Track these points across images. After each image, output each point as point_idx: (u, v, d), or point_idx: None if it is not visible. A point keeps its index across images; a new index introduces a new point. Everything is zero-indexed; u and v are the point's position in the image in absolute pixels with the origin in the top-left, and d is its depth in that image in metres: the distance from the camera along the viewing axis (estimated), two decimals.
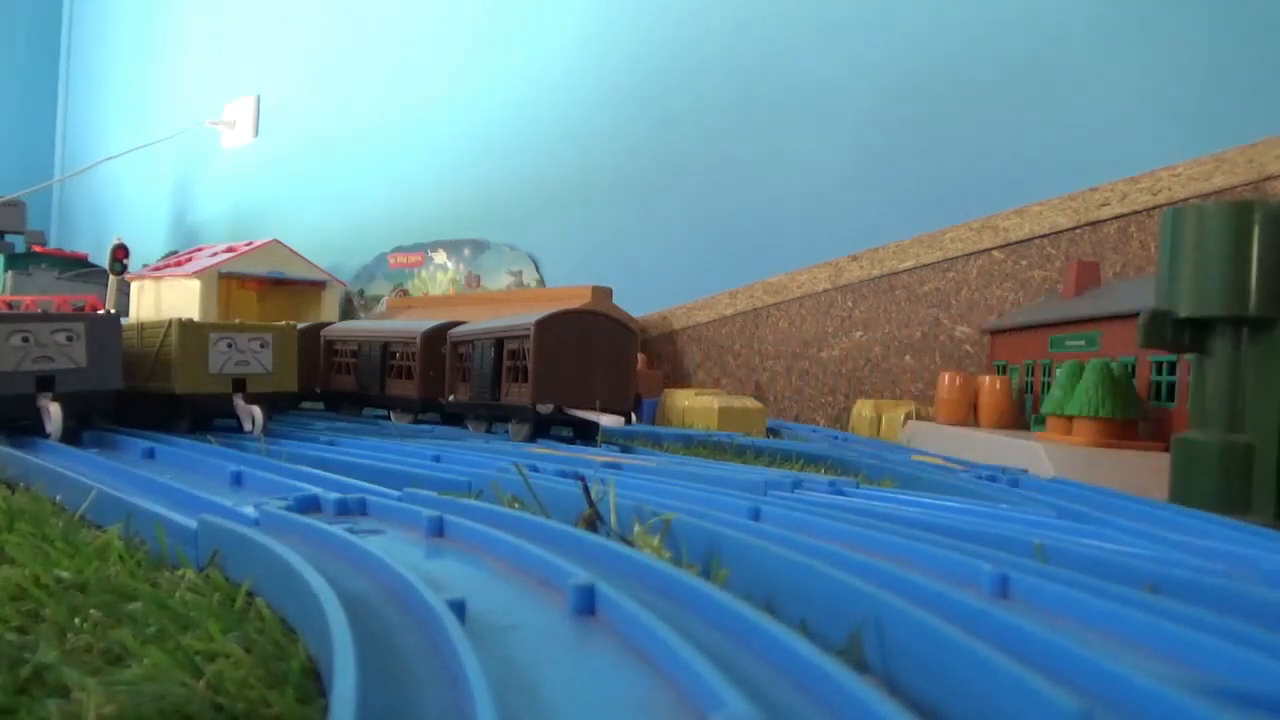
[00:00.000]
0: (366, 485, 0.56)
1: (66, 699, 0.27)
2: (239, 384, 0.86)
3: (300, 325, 1.07)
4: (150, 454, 0.73)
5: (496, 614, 0.31)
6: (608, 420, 0.89)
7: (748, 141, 1.66)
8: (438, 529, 0.44)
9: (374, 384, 1.12)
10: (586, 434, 0.95)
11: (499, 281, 1.97)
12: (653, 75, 1.79)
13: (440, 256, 2.07)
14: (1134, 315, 0.81)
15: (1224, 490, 0.71)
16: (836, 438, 1.23)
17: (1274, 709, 0.25)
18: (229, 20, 2.75)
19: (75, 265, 2.19)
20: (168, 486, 0.54)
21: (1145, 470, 0.86)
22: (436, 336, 1.07)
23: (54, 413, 0.76)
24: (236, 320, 0.96)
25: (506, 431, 0.98)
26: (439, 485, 0.61)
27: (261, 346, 0.87)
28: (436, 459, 0.72)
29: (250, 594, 0.37)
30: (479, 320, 1.06)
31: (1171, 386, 0.94)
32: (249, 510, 0.46)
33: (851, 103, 1.55)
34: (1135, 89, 1.30)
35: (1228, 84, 1.24)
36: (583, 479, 0.49)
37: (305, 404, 1.24)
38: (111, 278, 1.78)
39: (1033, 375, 1.21)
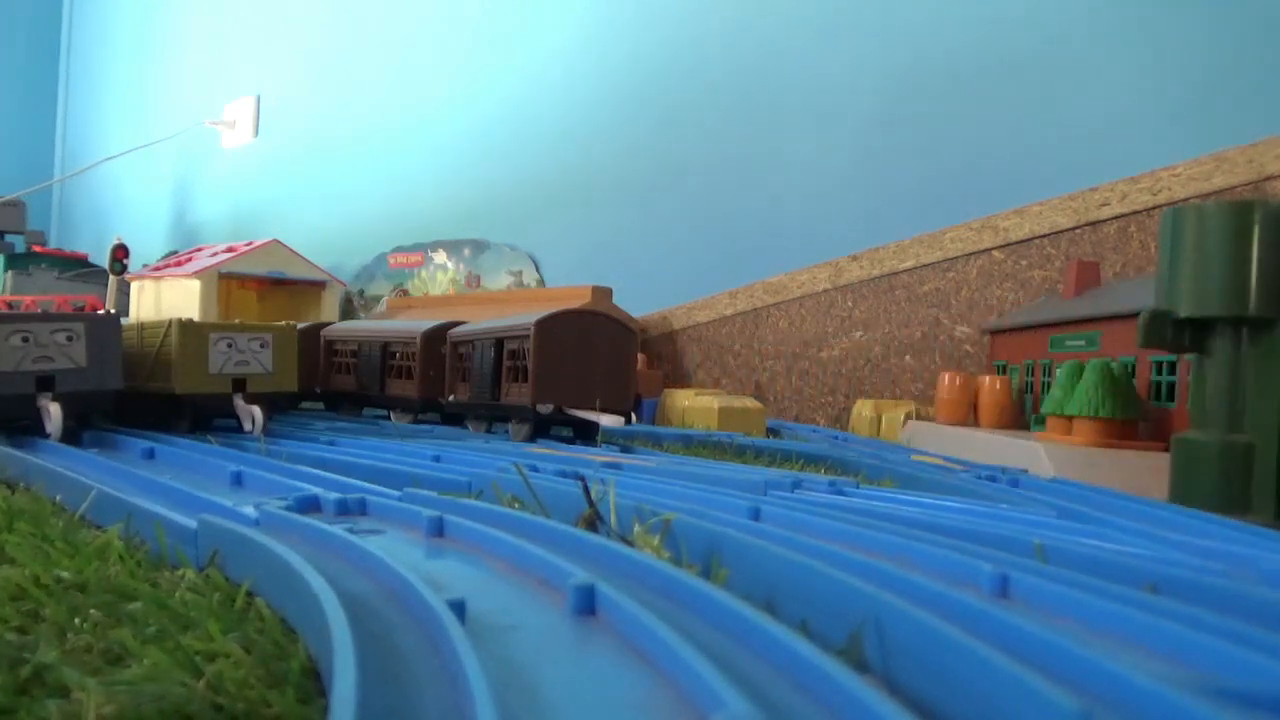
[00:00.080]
0: (366, 485, 0.56)
1: (66, 699, 0.27)
2: (239, 384, 0.86)
3: (300, 325, 1.07)
4: (150, 454, 0.73)
5: (496, 614, 0.31)
6: (608, 420, 0.89)
7: (748, 141, 1.66)
8: (438, 529, 0.44)
9: (374, 384, 1.12)
10: (586, 434, 0.95)
11: (499, 281, 1.97)
12: (653, 75, 1.79)
13: (440, 256, 2.07)
14: (1134, 315, 0.81)
15: (1224, 490, 0.71)
16: (836, 438, 1.23)
17: (1274, 709, 0.25)
18: (229, 20, 2.75)
19: (75, 265, 2.19)
20: (168, 486, 0.54)
21: (1145, 470, 0.86)
22: (436, 336, 1.07)
23: (54, 413, 0.76)
24: (236, 320, 0.96)
25: (506, 431, 0.98)
26: (439, 485, 0.61)
27: (261, 346, 0.87)
28: (436, 459, 0.72)
29: (250, 594, 0.37)
30: (479, 320, 1.06)
31: (1171, 386, 0.94)
32: (249, 510, 0.46)
33: (851, 103, 1.55)
34: (1135, 89, 1.30)
35: (1228, 84, 1.24)
36: (583, 479, 0.49)
37: (305, 404, 1.24)
38: (111, 278, 1.78)
39: (1033, 375, 1.21)
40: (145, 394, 0.86)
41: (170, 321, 0.84)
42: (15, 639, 0.32)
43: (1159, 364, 0.96)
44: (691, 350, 1.69)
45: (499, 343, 0.95)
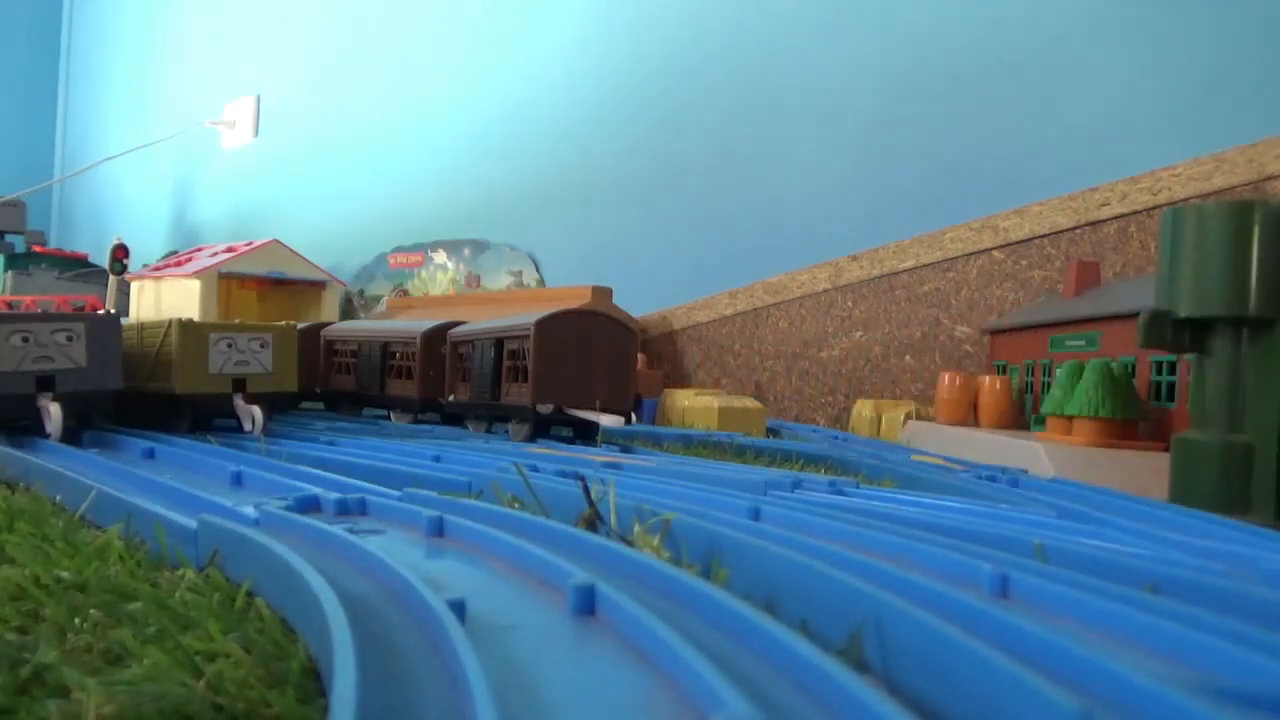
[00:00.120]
0: (366, 485, 0.56)
1: (66, 699, 0.27)
2: (239, 384, 0.86)
3: (300, 325, 1.07)
4: (150, 454, 0.73)
5: (496, 614, 0.32)
6: (608, 420, 0.89)
7: (748, 141, 1.66)
8: (438, 529, 0.44)
9: (374, 384, 1.12)
10: (586, 434, 0.95)
11: (499, 281, 1.97)
12: (653, 75, 1.79)
13: (440, 256, 2.07)
14: (1134, 315, 0.81)
15: (1224, 490, 0.71)
16: (836, 438, 1.23)
17: (1274, 709, 0.25)
18: (229, 20, 2.75)
19: (75, 265, 2.19)
20: (168, 486, 0.54)
21: (1145, 470, 0.86)
22: (436, 336, 1.07)
23: (54, 413, 0.76)
24: (236, 320, 0.96)
25: (506, 431, 0.98)
26: (439, 485, 0.61)
27: (261, 346, 0.87)
28: (436, 459, 0.72)
29: (250, 594, 0.37)
30: (479, 320, 1.06)
31: (1171, 386, 0.94)
32: (249, 510, 0.46)
33: (851, 103, 1.55)
34: (1135, 89, 1.30)
35: (1228, 84, 1.24)
36: (583, 479, 0.49)
37: (305, 404, 1.24)
38: (111, 278, 1.78)
39: (1033, 375, 1.21)
40: (145, 394, 0.86)
41: (170, 321, 0.84)
42: (15, 639, 0.32)
43: (1159, 364, 0.96)
44: (691, 350, 1.70)
45: (499, 343, 0.95)
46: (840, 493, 0.62)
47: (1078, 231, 1.33)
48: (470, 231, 2.04)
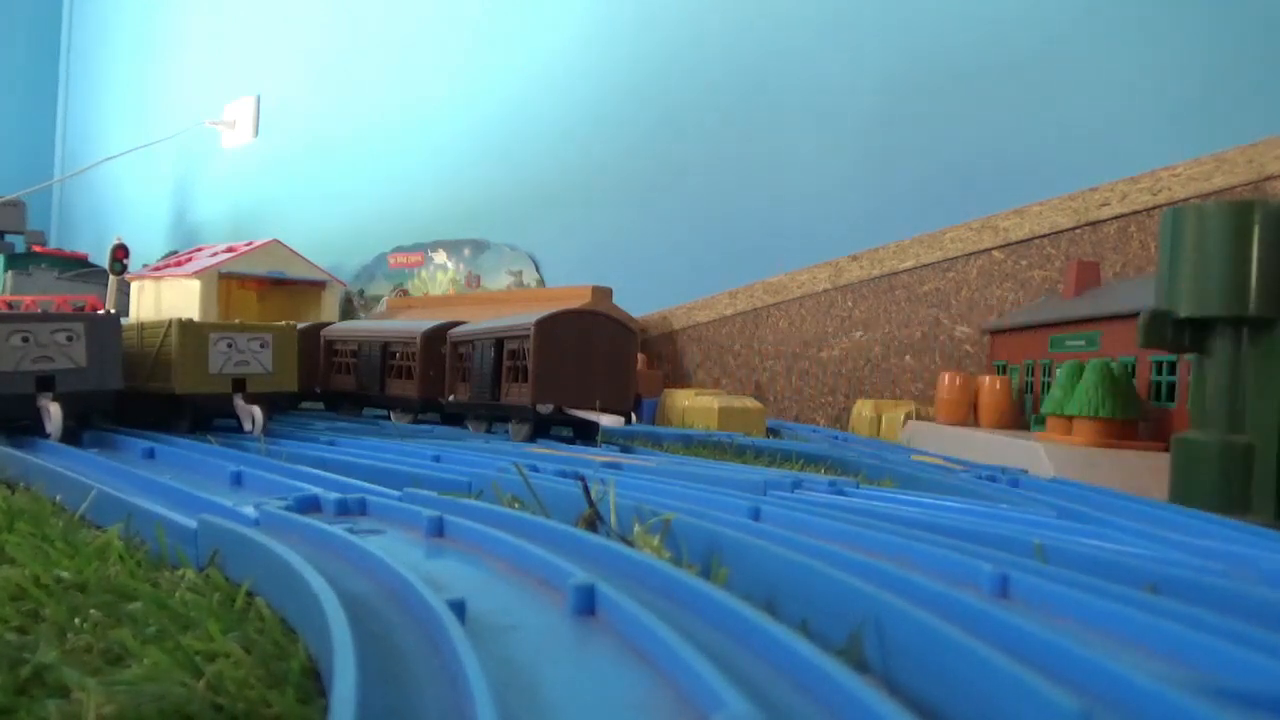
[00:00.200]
0: (366, 485, 0.56)
1: (66, 699, 0.27)
2: (239, 384, 0.86)
3: (300, 325, 1.07)
4: (150, 454, 0.73)
5: (496, 614, 0.31)
6: (608, 420, 0.89)
7: (748, 141, 1.66)
8: (438, 529, 0.44)
9: (374, 384, 1.12)
10: (586, 434, 0.95)
11: (499, 281, 1.97)
12: (653, 75, 1.79)
13: (440, 256, 2.07)
14: (1134, 315, 0.81)
15: (1224, 490, 0.71)
16: (836, 438, 1.23)
17: (1274, 709, 0.25)
18: (229, 20, 2.75)
19: (75, 265, 2.19)
20: (168, 486, 0.54)
21: (1145, 470, 0.86)
22: (436, 336, 1.07)
23: (54, 413, 0.76)
24: (236, 320, 0.96)
25: (506, 431, 0.98)
26: (439, 485, 0.61)
27: (261, 346, 0.87)
28: (436, 459, 0.72)
29: (250, 594, 0.37)
30: (479, 320, 1.06)
31: (1171, 386, 0.94)
32: (249, 510, 0.46)
33: (851, 103, 1.55)
34: (1135, 89, 1.30)
35: (1228, 84, 1.24)
36: (583, 479, 0.49)
37: (305, 404, 1.24)
38: (111, 278, 1.78)
39: (1033, 375, 1.21)
40: (145, 394, 0.86)
41: (170, 321, 0.84)
42: (15, 639, 0.32)
43: (1159, 364, 0.96)
44: (691, 350, 1.70)
45: (499, 343, 0.95)
46: (840, 493, 0.62)
47: (1078, 231, 1.33)
48: (470, 231, 2.04)
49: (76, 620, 0.34)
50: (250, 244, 1.90)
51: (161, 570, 0.42)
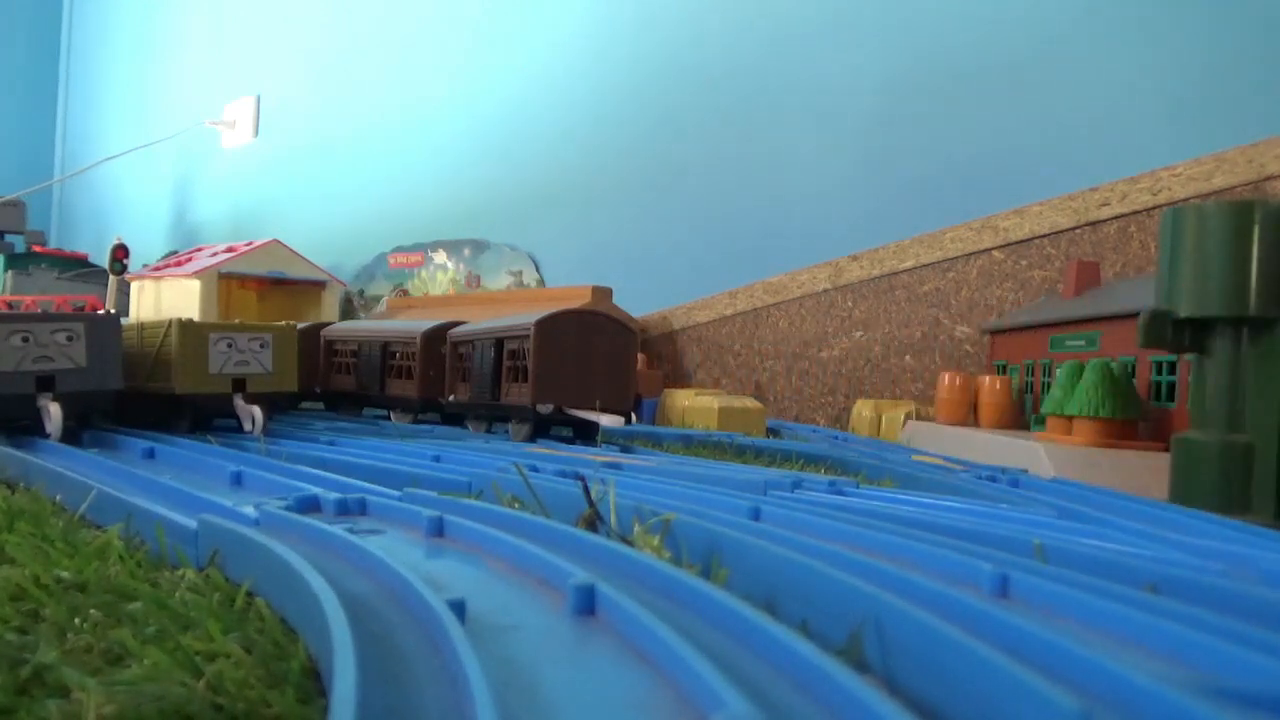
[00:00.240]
0: (366, 485, 0.56)
1: (66, 699, 0.27)
2: (239, 384, 0.86)
3: (300, 325, 1.07)
4: (150, 454, 0.73)
5: (496, 614, 0.31)
6: (608, 420, 0.89)
7: (748, 141, 1.66)
8: (438, 529, 0.44)
9: (374, 384, 1.12)
10: (586, 434, 0.95)
11: (499, 281, 1.97)
12: (653, 75, 1.79)
13: (440, 256, 2.07)
14: (1134, 315, 0.81)
15: (1224, 490, 0.71)
16: (836, 438, 1.23)
17: (1274, 709, 0.25)
18: (229, 20, 2.75)
19: (75, 265, 2.19)
20: (168, 486, 0.54)
21: (1145, 470, 0.86)
22: (436, 336, 1.07)
23: (54, 413, 0.76)
24: (236, 320, 0.96)
25: (506, 431, 0.98)
26: (439, 485, 0.61)
27: (261, 346, 0.87)
28: (436, 459, 0.72)
29: (250, 594, 0.37)
30: (479, 320, 1.06)
31: (1171, 386, 0.94)
32: (249, 510, 0.46)
33: (851, 103, 1.55)
34: (1135, 89, 1.30)
35: (1228, 84, 1.24)
36: (583, 479, 0.49)
37: (305, 404, 1.24)
38: (111, 278, 1.78)
39: (1033, 375, 1.21)
40: (145, 394, 0.86)
41: (170, 321, 0.84)
42: (15, 639, 0.32)
43: (1159, 364, 0.96)
44: (691, 350, 1.70)
45: (499, 343, 0.95)
46: (840, 493, 0.62)
47: (1078, 231, 1.33)
48: (470, 231, 2.05)
49: (76, 620, 0.34)
50: (250, 244, 1.90)
51: (161, 570, 0.42)
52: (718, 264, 1.68)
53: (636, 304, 1.68)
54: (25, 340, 0.75)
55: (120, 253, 1.78)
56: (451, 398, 1.04)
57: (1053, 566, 0.40)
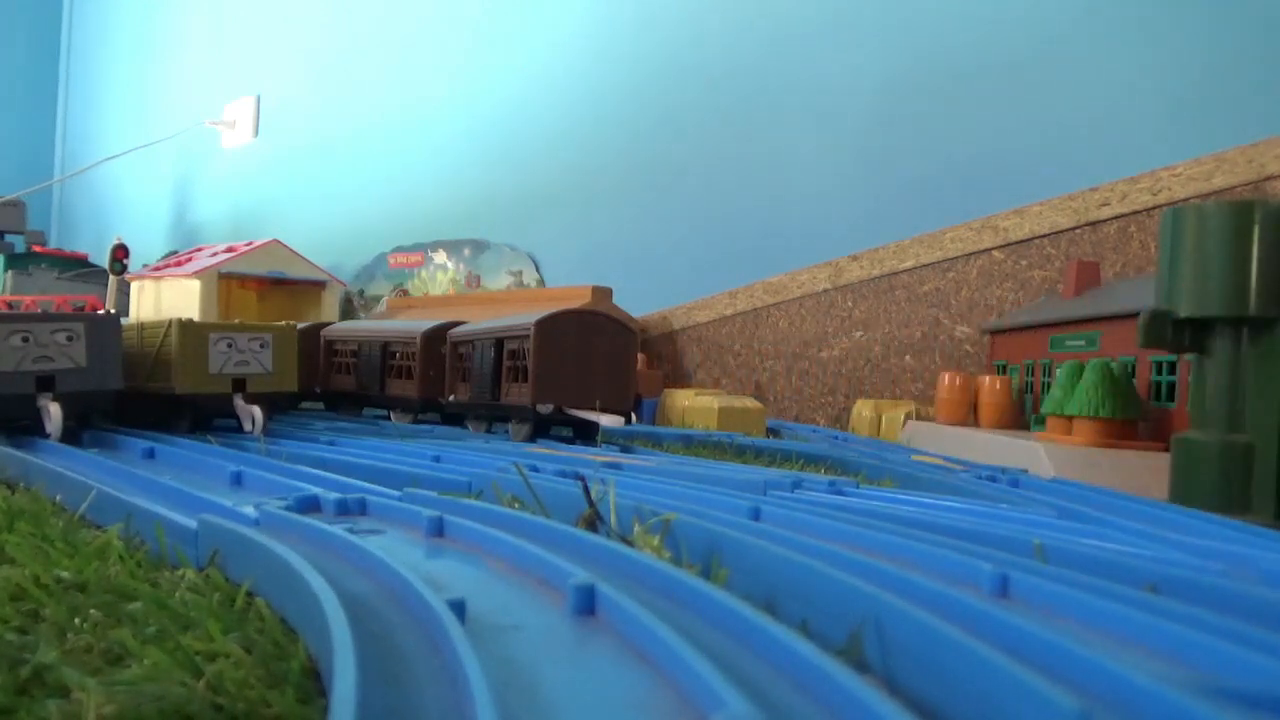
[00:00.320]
0: (366, 485, 0.56)
1: (66, 699, 0.27)
2: (239, 384, 0.86)
3: (300, 325, 1.07)
4: (150, 454, 0.73)
5: (496, 614, 0.31)
6: (608, 420, 0.89)
7: (748, 141, 1.66)
8: (438, 529, 0.44)
9: (374, 384, 1.12)
10: (586, 434, 0.95)
11: (499, 281, 1.97)
12: (653, 75, 1.79)
13: (440, 256, 2.07)
14: (1134, 315, 0.81)
15: (1224, 490, 0.71)
16: (836, 438, 1.23)
17: (1274, 709, 0.25)
18: (229, 20, 2.75)
19: (75, 265, 2.19)
20: (168, 486, 0.54)
21: (1145, 470, 0.86)
22: (436, 336, 1.07)
23: (54, 413, 0.76)
24: (236, 320, 0.96)
25: (506, 431, 0.98)
26: (439, 485, 0.61)
27: (261, 346, 0.87)
28: (436, 459, 0.72)
29: (250, 594, 0.37)
30: (479, 320, 1.06)
31: (1171, 386, 0.94)
32: (249, 510, 0.46)
33: (851, 103, 1.55)
34: (1136, 89, 1.30)
35: (1228, 84, 1.24)
36: (583, 479, 0.49)
37: (305, 404, 1.24)
38: (111, 278, 1.78)
39: (1033, 375, 1.21)
40: (145, 394, 0.86)
41: (170, 321, 0.84)
42: (15, 639, 0.32)
43: (1159, 364, 0.96)
44: (691, 350, 1.70)
45: (499, 343, 0.95)
46: (840, 493, 0.62)
47: (1078, 231, 1.33)
48: (470, 231, 2.04)
49: (76, 620, 0.34)
50: (250, 244, 1.90)
51: (161, 570, 0.42)
52: (718, 264, 1.68)
53: (636, 304, 1.68)
54: (25, 340, 0.75)
55: (120, 253, 1.78)
56: (451, 398, 1.04)
57: (1053, 566, 0.40)
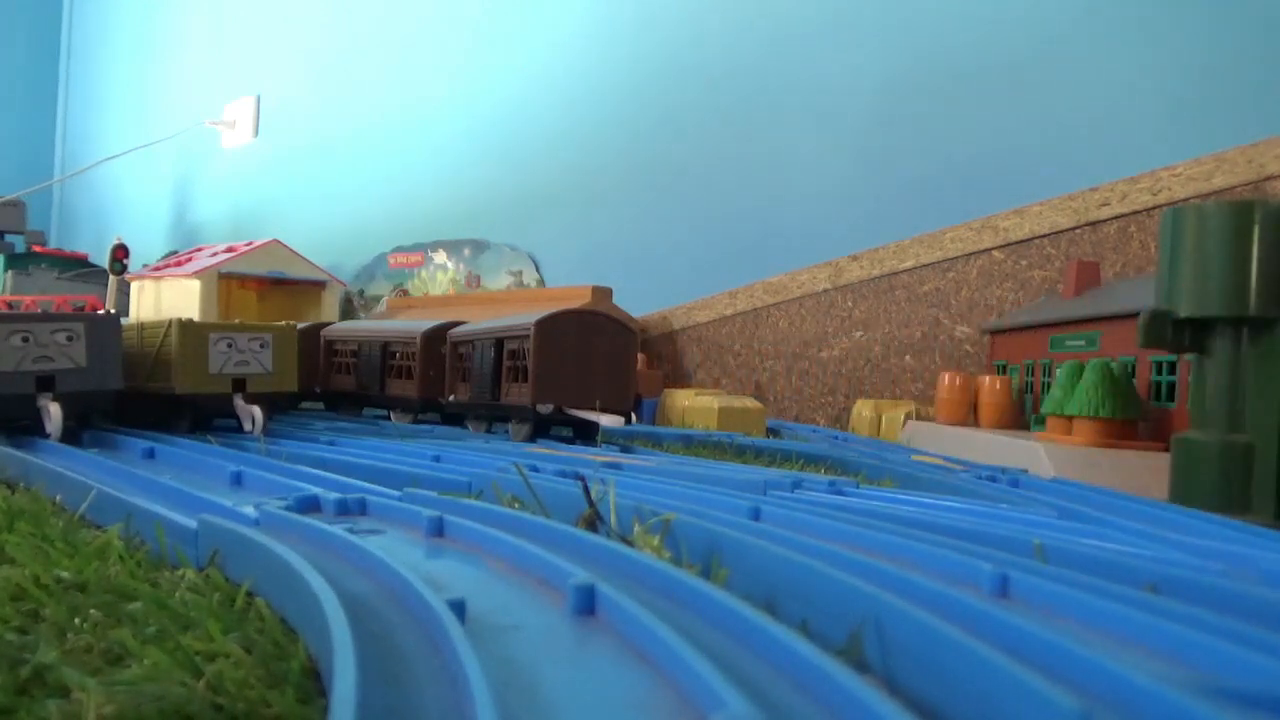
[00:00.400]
0: (366, 485, 0.56)
1: (66, 699, 0.27)
2: (239, 384, 0.86)
3: (300, 325, 1.07)
4: (150, 454, 0.73)
5: (496, 614, 0.31)
6: (608, 420, 0.89)
7: (748, 141, 1.66)
8: (438, 529, 0.44)
9: (374, 384, 1.12)
10: (586, 434, 0.95)
11: (499, 281, 1.97)
12: (653, 75, 1.79)
13: (440, 256, 2.07)
14: (1134, 315, 0.81)
15: (1224, 490, 0.71)
16: (836, 438, 1.23)
17: (1274, 709, 0.25)
18: (229, 20, 2.75)
19: (75, 265, 2.19)
20: (168, 486, 0.54)
21: (1145, 470, 0.86)
22: (436, 336, 1.07)
23: (54, 413, 0.76)
24: (236, 320, 0.96)
25: (506, 431, 0.98)
26: (439, 485, 0.61)
27: (261, 346, 0.87)
28: (436, 459, 0.72)
29: (250, 594, 0.37)
30: (479, 320, 1.06)
31: (1171, 386, 0.94)
32: (249, 510, 0.46)
33: (851, 103, 1.55)
34: (1136, 89, 1.30)
35: (1228, 84, 1.24)
36: (583, 479, 0.49)
37: (305, 404, 1.24)
38: (111, 278, 1.78)
39: (1033, 375, 1.21)
40: (145, 394, 0.86)
41: (170, 321, 0.84)
42: (15, 639, 0.32)
43: (1159, 364, 0.96)
44: (691, 350, 1.69)
45: (499, 343, 0.95)
46: (840, 493, 0.62)
47: (1078, 231, 1.33)
48: (470, 231, 2.05)
49: (76, 620, 0.34)
50: (250, 244, 1.90)
51: (161, 570, 0.42)
52: (718, 264, 1.68)
53: (636, 304, 1.68)
54: (25, 340, 0.75)
55: (120, 253, 1.78)
56: (451, 398, 1.04)
57: (1053, 566, 0.40)
